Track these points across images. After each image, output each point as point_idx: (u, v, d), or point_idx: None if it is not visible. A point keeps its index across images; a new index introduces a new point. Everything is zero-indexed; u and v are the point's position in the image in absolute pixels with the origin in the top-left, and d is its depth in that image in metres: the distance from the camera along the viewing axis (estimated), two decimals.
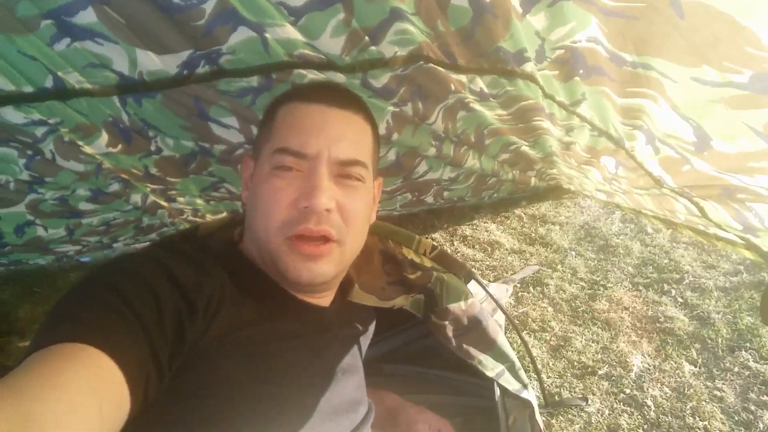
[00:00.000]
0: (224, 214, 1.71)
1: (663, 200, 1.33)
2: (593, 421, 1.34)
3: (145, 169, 1.23)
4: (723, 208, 1.03)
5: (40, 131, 0.96)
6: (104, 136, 1.03)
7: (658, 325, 1.64)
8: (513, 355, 1.01)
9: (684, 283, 1.80)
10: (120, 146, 1.08)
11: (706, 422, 1.33)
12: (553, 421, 1.33)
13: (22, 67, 0.78)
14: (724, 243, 1.29)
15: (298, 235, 0.69)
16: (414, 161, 1.48)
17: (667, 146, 0.91)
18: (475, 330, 0.98)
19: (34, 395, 0.41)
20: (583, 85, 0.92)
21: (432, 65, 0.95)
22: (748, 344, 1.54)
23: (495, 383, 1.00)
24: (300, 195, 0.69)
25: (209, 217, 1.73)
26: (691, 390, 1.41)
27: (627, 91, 0.81)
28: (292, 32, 0.81)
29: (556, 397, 1.40)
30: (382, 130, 1.18)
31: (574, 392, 1.42)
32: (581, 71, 0.86)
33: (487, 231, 2.18)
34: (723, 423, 1.33)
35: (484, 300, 1.29)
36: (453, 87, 1.04)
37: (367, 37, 0.85)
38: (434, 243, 1.01)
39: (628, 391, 1.43)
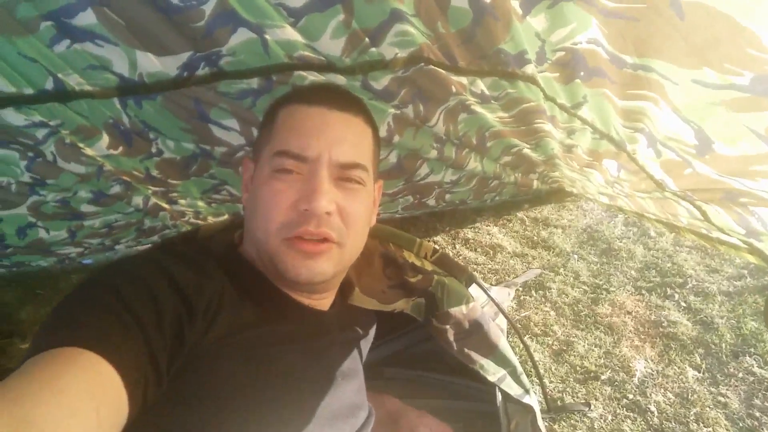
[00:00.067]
0: (225, 217, 1.71)
1: (665, 204, 1.32)
2: (596, 426, 1.33)
3: (147, 171, 1.23)
4: (726, 212, 1.02)
5: (41, 133, 0.96)
6: (105, 138, 1.03)
7: (661, 329, 1.63)
8: (515, 359, 1.00)
9: (687, 287, 1.79)
10: (121, 148, 1.08)
11: (710, 428, 1.32)
12: (556, 426, 1.32)
13: (22, 68, 0.78)
14: (728, 247, 1.28)
15: (297, 236, 0.69)
16: (415, 164, 1.47)
17: (668, 149, 0.90)
18: (476, 334, 0.98)
19: (32, 399, 0.42)
20: (584, 88, 0.92)
21: (433, 67, 0.95)
22: (752, 349, 1.53)
23: (497, 388, 0.99)
24: (300, 198, 0.68)
25: (211, 220, 1.73)
26: (695, 396, 1.40)
27: (628, 94, 0.81)
28: (291, 34, 0.81)
29: (559, 402, 1.39)
30: (383, 133, 1.18)
31: (577, 397, 1.41)
32: (582, 73, 0.86)
33: (489, 234, 2.17)
34: (727, 429, 1.32)
35: (485, 304, 1.28)
36: (454, 89, 1.04)
37: (367, 39, 0.85)
38: (435, 246, 1.01)
39: (631, 396, 1.42)
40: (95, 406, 0.45)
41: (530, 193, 2.28)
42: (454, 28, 0.82)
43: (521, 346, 1.50)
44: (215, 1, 0.72)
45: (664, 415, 1.36)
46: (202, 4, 0.72)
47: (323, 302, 0.83)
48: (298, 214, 0.69)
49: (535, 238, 2.14)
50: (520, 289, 1.84)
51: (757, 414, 1.35)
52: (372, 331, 0.99)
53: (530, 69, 0.95)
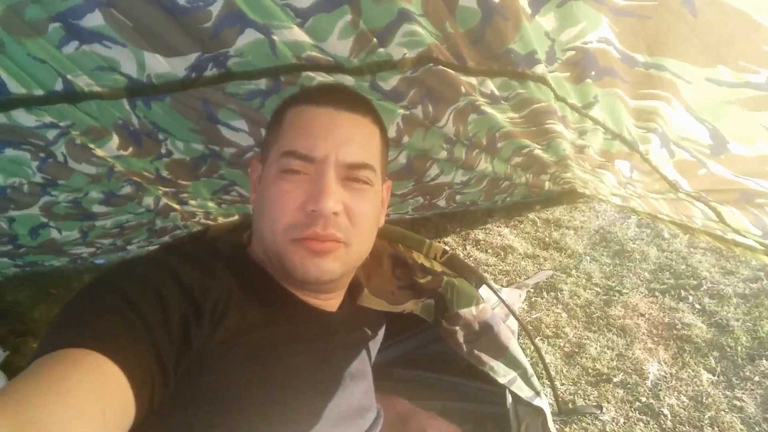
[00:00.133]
0: (235, 217, 1.72)
1: (679, 205, 1.30)
2: (608, 429, 1.31)
3: (157, 172, 1.24)
4: (741, 213, 1.00)
5: (51, 134, 0.97)
6: (115, 139, 1.03)
7: (675, 332, 1.61)
8: (525, 361, 0.99)
9: (702, 289, 1.77)
10: (131, 149, 1.08)
11: None
12: (567, 429, 1.31)
13: (32, 70, 0.79)
14: (743, 249, 1.25)
15: (305, 238, 0.69)
16: (425, 164, 1.47)
17: (682, 149, 0.88)
18: (486, 335, 0.97)
19: (37, 401, 0.42)
20: (595, 87, 0.91)
21: (441, 67, 0.94)
22: None
23: (507, 390, 0.98)
24: (307, 198, 0.68)
25: (221, 220, 1.74)
26: (710, 399, 1.38)
27: (640, 93, 0.80)
28: (299, 34, 0.80)
29: (570, 405, 1.38)
30: (392, 133, 1.18)
31: (589, 400, 1.40)
32: (593, 73, 0.85)
33: (500, 235, 2.15)
34: None
35: (496, 305, 1.27)
36: (463, 89, 1.03)
37: (375, 39, 0.84)
38: (445, 247, 1.00)
39: (644, 399, 1.40)
40: (101, 408, 0.45)
41: (542, 195, 2.26)
42: (462, 28, 0.82)
43: (532, 347, 1.49)
44: (222, 1, 0.72)
45: (678, 418, 1.34)
46: (209, 5, 0.72)
47: (331, 303, 0.83)
48: (306, 216, 0.68)
49: (547, 239, 2.12)
50: (532, 290, 1.82)
51: None
52: (381, 333, 0.98)
53: (540, 69, 0.93)
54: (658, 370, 1.48)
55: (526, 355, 1.02)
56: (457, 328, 0.96)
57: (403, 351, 1.30)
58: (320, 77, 0.93)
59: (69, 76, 0.82)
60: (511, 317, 1.40)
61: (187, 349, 0.57)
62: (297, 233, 0.68)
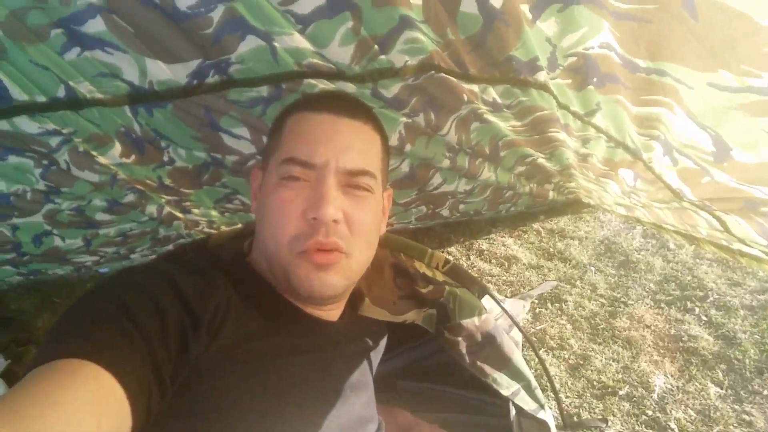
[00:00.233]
0: (238, 226, 1.71)
1: (684, 214, 1.29)
2: None
3: (159, 180, 1.24)
4: (746, 222, 0.99)
5: (54, 141, 0.97)
6: (117, 147, 1.04)
7: (681, 344, 1.58)
8: (529, 373, 0.98)
9: (708, 300, 1.74)
10: (133, 157, 1.09)
11: None
12: None
13: (34, 76, 0.79)
14: (749, 259, 1.24)
15: (310, 249, 0.68)
16: (428, 173, 1.46)
17: (685, 157, 0.88)
18: (489, 347, 0.95)
19: (31, 413, 0.41)
20: (597, 94, 0.90)
21: (443, 75, 0.94)
22: None
23: (510, 402, 0.97)
24: (308, 206, 0.68)
25: (224, 229, 1.74)
26: (718, 413, 1.35)
27: (642, 99, 0.79)
28: (300, 41, 0.81)
29: (575, 418, 1.35)
30: (394, 141, 1.17)
31: (594, 413, 1.38)
32: (595, 79, 0.84)
33: (504, 245, 2.14)
34: None
35: (499, 316, 1.26)
36: (465, 97, 1.03)
37: (376, 46, 0.84)
38: (447, 257, 0.99)
39: (650, 412, 1.37)
40: (97, 420, 0.44)
41: (546, 204, 2.25)
42: (463, 35, 0.82)
43: (536, 359, 1.47)
44: (223, 8, 0.72)
45: None
46: (210, 12, 0.72)
47: (332, 313, 0.82)
48: (308, 225, 0.68)
49: (551, 249, 2.11)
50: (536, 301, 1.80)
51: None
52: (383, 343, 0.97)
53: (542, 76, 0.93)
54: (664, 383, 1.45)
55: (530, 367, 1.01)
56: (460, 338, 0.95)
57: (406, 362, 1.28)
58: (322, 84, 0.93)
59: (71, 83, 0.82)
60: (515, 328, 1.38)
61: (184, 359, 0.56)
62: (301, 245, 0.68)
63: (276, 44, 0.80)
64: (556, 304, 1.79)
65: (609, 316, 1.72)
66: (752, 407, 1.36)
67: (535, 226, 2.27)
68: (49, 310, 1.85)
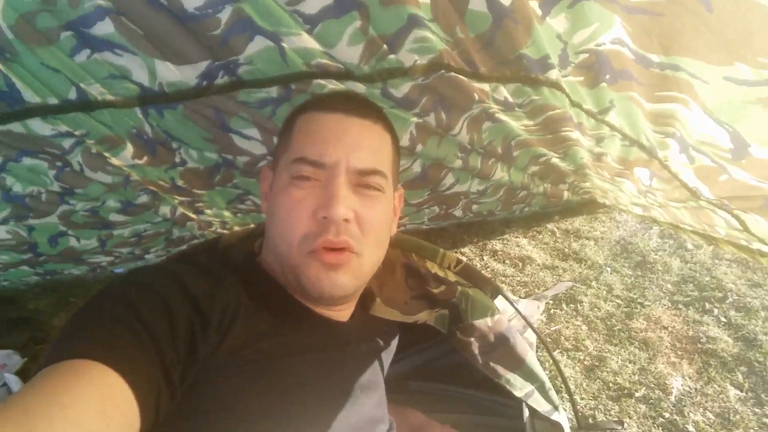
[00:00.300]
0: (251, 226, 1.72)
1: (701, 213, 1.26)
2: None
3: (172, 181, 1.25)
4: (766, 221, 0.97)
5: (67, 143, 0.98)
6: (129, 148, 1.05)
7: (699, 345, 1.55)
8: (543, 374, 0.96)
9: (727, 302, 1.71)
10: (145, 158, 1.09)
11: None
12: None
13: (45, 79, 0.80)
14: None
15: (319, 248, 0.68)
16: (440, 173, 1.45)
17: (702, 154, 0.86)
18: (502, 347, 0.94)
19: (39, 414, 0.41)
20: (610, 92, 0.89)
21: (453, 74, 0.94)
22: None
23: (524, 404, 0.95)
24: (318, 206, 0.68)
25: (237, 229, 1.74)
26: (737, 416, 1.32)
27: (656, 96, 0.77)
28: (308, 41, 0.80)
29: (590, 420, 1.33)
30: (405, 142, 1.17)
31: (609, 415, 1.35)
32: (607, 76, 0.83)
33: (518, 246, 2.12)
34: None
35: (513, 317, 1.24)
36: (476, 96, 1.02)
37: (385, 45, 0.84)
38: (459, 257, 0.99)
39: (667, 415, 1.34)
40: (104, 421, 0.44)
41: (561, 204, 2.22)
42: (473, 33, 0.81)
43: (551, 360, 1.45)
44: (231, 9, 0.72)
45: None
46: (218, 13, 0.72)
47: (343, 314, 0.81)
48: (318, 224, 0.68)
49: (566, 250, 2.08)
50: (551, 302, 1.78)
51: None
52: (394, 343, 0.96)
53: (554, 74, 0.92)
54: (682, 385, 1.42)
55: (545, 368, 0.99)
56: (472, 339, 0.94)
57: (418, 363, 1.27)
58: (331, 85, 0.93)
59: (82, 85, 0.83)
60: (529, 329, 1.37)
61: (193, 360, 0.56)
62: (311, 244, 0.68)
63: (284, 45, 0.80)
64: (571, 305, 1.76)
65: (625, 317, 1.69)
66: None
67: (550, 226, 2.24)
68: (66, 310, 1.87)
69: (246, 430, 0.57)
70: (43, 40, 0.73)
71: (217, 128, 1.01)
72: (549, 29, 0.76)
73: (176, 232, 1.68)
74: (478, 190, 1.67)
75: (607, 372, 1.48)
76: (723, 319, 1.64)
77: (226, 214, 1.59)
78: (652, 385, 1.43)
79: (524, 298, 1.80)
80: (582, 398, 1.41)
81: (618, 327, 1.65)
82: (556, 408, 0.96)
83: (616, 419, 1.33)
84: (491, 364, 0.94)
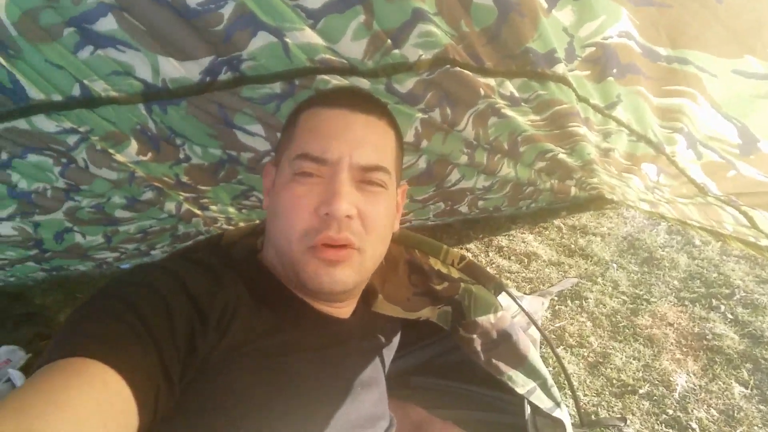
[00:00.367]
0: (256, 222, 1.72)
1: (709, 210, 1.25)
2: None
3: (177, 178, 1.25)
4: None
5: (72, 139, 0.98)
6: (134, 144, 1.05)
7: (705, 342, 1.54)
8: (546, 371, 0.96)
9: (735, 298, 1.69)
10: (150, 154, 1.09)
11: None
12: None
13: (49, 75, 0.80)
14: None
15: (320, 244, 0.68)
16: (445, 169, 1.45)
17: (709, 150, 0.85)
18: (504, 344, 0.94)
19: (37, 412, 0.41)
20: (617, 86, 0.88)
21: (459, 69, 0.93)
22: None
23: (525, 400, 0.95)
24: (321, 202, 0.67)
25: (243, 225, 1.75)
26: (742, 413, 1.31)
27: (663, 90, 0.76)
28: (312, 36, 0.80)
29: (593, 417, 1.33)
30: (410, 138, 1.16)
31: (612, 411, 1.35)
32: (614, 70, 0.82)
33: (524, 242, 2.11)
34: None
35: (516, 314, 1.24)
36: (482, 91, 1.01)
37: (389, 40, 0.83)
38: (463, 253, 0.98)
39: (670, 412, 1.34)
40: (103, 420, 0.44)
41: (568, 201, 2.21)
42: (478, 27, 0.80)
43: (554, 357, 1.45)
44: (233, 4, 0.72)
45: None
46: (221, 8, 0.72)
47: (344, 311, 0.81)
48: (320, 220, 0.68)
49: (573, 246, 2.07)
50: (556, 298, 1.78)
51: None
52: (396, 339, 0.96)
53: (561, 68, 0.91)
54: (686, 382, 1.42)
55: (548, 365, 0.99)
56: (475, 336, 0.93)
57: (421, 359, 1.27)
58: (335, 80, 0.92)
59: (86, 81, 0.83)
60: (533, 326, 1.36)
61: (192, 358, 0.56)
62: (311, 239, 0.68)
63: (287, 40, 0.80)
64: (576, 302, 1.75)
65: (630, 314, 1.68)
66: None
67: (557, 222, 2.23)
68: (71, 306, 1.88)
69: (245, 427, 0.57)
70: (47, 37, 0.73)
71: (220, 124, 1.01)
72: (555, 22, 0.75)
73: (182, 228, 1.68)
74: (484, 186, 1.66)
75: (611, 369, 1.47)
76: (730, 315, 1.63)
77: (231, 210, 1.59)
78: (656, 382, 1.43)
79: (529, 294, 1.79)
80: (585, 395, 1.40)
81: (623, 323, 1.64)
82: (558, 405, 0.96)
83: (619, 416, 1.32)
84: (493, 360, 0.93)
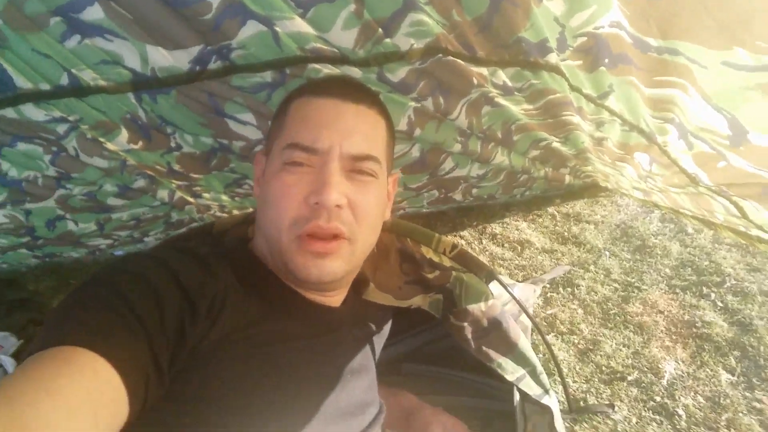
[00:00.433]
0: (249, 210, 1.72)
1: (700, 199, 1.26)
2: (619, 429, 1.28)
3: (168, 166, 1.24)
4: (765, 208, 0.96)
5: (61, 128, 0.97)
6: (124, 133, 1.04)
7: (694, 330, 1.56)
8: (535, 358, 0.97)
9: (725, 286, 1.70)
10: (141, 143, 1.09)
11: None
12: (577, 427, 1.28)
13: (36, 64, 0.79)
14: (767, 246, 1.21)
15: (309, 233, 0.68)
16: (439, 157, 1.44)
17: (700, 141, 0.85)
18: (495, 332, 0.95)
19: (27, 401, 0.41)
20: (609, 76, 0.88)
21: (451, 58, 0.92)
22: None
23: (515, 387, 0.96)
24: (311, 191, 0.68)
25: (236, 212, 1.75)
26: (728, 400, 1.33)
27: (655, 81, 0.76)
28: (302, 25, 0.79)
29: (581, 403, 1.34)
30: (403, 126, 1.16)
31: (601, 398, 1.36)
32: (606, 60, 0.82)
33: (517, 229, 2.12)
34: None
35: (508, 302, 1.25)
36: (475, 81, 1.01)
37: (380, 30, 0.82)
38: (455, 242, 0.99)
39: (658, 398, 1.35)
40: (93, 408, 0.44)
41: (562, 188, 2.21)
42: (470, 16, 0.79)
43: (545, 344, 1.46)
44: None
45: (693, 419, 1.30)
46: None
47: (334, 299, 0.82)
48: (309, 209, 0.68)
49: (566, 233, 2.08)
50: (548, 286, 1.79)
51: None
52: (387, 327, 0.97)
53: (553, 58, 0.91)
54: (674, 369, 1.43)
55: (539, 352, 1.00)
56: (465, 324, 0.94)
57: (413, 346, 1.29)
58: (326, 69, 0.92)
59: (74, 71, 0.82)
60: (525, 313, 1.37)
61: (182, 348, 0.56)
62: (300, 228, 0.68)
63: (277, 29, 0.79)
64: (568, 289, 1.76)
65: (622, 301, 1.69)
66: (764, 395, 1.33)
67: (551, 210, 2.23)
68: (65, 292, 1.85)
69: (233, 415, 0.58)
70: (33, 26, 0.72)
71: (211, 113, 1.00)
72: (546, 12, 0.74)
73: (175, 215, 1.68)
74: (478, 174, 1.66)
75: (601, 356, 1.49)
76: (720, 303, 1.64)
77: (224, 197, 1.59)
78: (645, 369, 1.44)
79: (521, 281, 1.80)
80: (574, 381, 1.42)
81: (614, 311, 1.65)
82: (546, 392, 0.97)
83: (607, 402, 1.34)
84: (484, 348, 0.95)
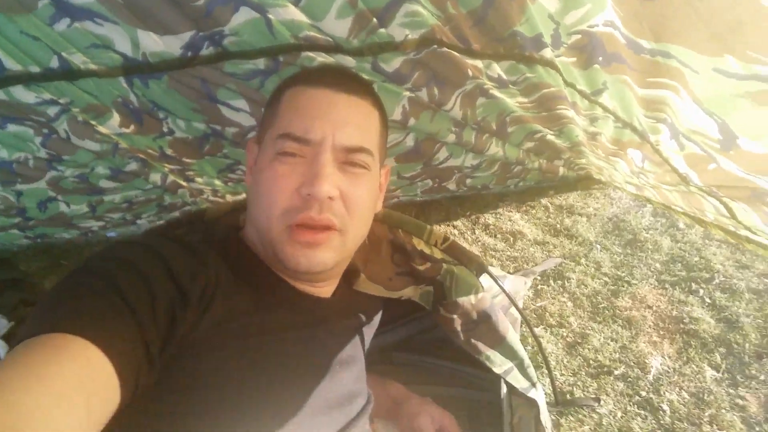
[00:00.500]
0: (241, 196, 1.72)
1: (691, 198, 1.26)
2: (604, 422, 1.30)
3: (161, 150, 1.23)
4: (753, 211, 0.97)
5: (52, 111, 0.97)
6: (116, 117, 1.03)
7: (682, 326, 1.57)
8: (523, 352, 0.98)
9: (714, 282, 1.72)
10: (132, 127, 1.08)
11: None
12: (562, 420, 1.30)
13: (25, 47, 0.78)
14: (755, 246, 1.22)
15: (300, 223, 0.68)
16: (433, 147, 1.44)
17: (691, 142, 0.85)
18: (484, 325, 0.96)
19: (19, 387, 0.42)
20: (603, 74, 0.87)
21: (446, 49, 0.92)
22: None
23: (502, 380, 0.97)
24: (303, 182, 0.67)
25: (229, 197, 1.74)
26: (711, 396, 1.35)
27: (648, 82, 0.76)
28: (295, 13, 0.78)
29: (568, 396, 1.36)
30: (398, 116, 1.15)
31: (587, 392, 1.38)
32: (600, 58, 0.81)
33: (510, 220, 2.12)
34: None
35: (497, 294, 1.26)
36: (470, 72, 1.00)
37: (375, 19, 0.82)
38: (446, 234, 0.99)
39: (643, 393, 1.37)
40: (85, 395, 0.45)
41: (556, 180, 2.21)
42: (464, 9, 0.79)
43: (533, 337, 1.47)
44: None
45: (677, 414, 1.32)
46: None
47: (325, 290, 0.82)
48: (301, 200, 0.68)
49: (558, 225, 2.08)
50: (538, 278, 1.80)
51: None
52: (377, 318, 0.97)
53: (548, 53, 0.90)
54: (661, 365, 1.45)
55: (527, 345, 1.01)
56: (455, 316, 0.95)
57: (403, 335, 1.29)
58: (320, 58, 0.91)
59: (64, 54, 0.81)
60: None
61: (173, 336, 0.57)
62: (291, 218, 0.68)
63: (271, 16, 0.78)
64: (559, 282, 1.78)
65: (611, 295, 1.70)
66: (747, 392, 1.36)
67: (544, 201, 2.23)
68: (57, 273, 1.88)
69: (222, 404, 0.58)
70: (21, 8, 0.71)
71: (204, 99, 1.00)
72: (540, 8, 0.74)
73: (168, 198, 1.67)
74: (472, 165, 1.66)
75: (589, 349, 1.50)
76: (708, 300, 1.66)
77: (217, 182, 1.58)
78: (632, 364, 1.46)
79: (513, 273, 1.81)
80: (562, 374, 1.43)
81: (603, 305, 1.67)
82: (533, 385, 0.98)
83: (593, 396, 1.35)
84: (472, 340, 0.95)
